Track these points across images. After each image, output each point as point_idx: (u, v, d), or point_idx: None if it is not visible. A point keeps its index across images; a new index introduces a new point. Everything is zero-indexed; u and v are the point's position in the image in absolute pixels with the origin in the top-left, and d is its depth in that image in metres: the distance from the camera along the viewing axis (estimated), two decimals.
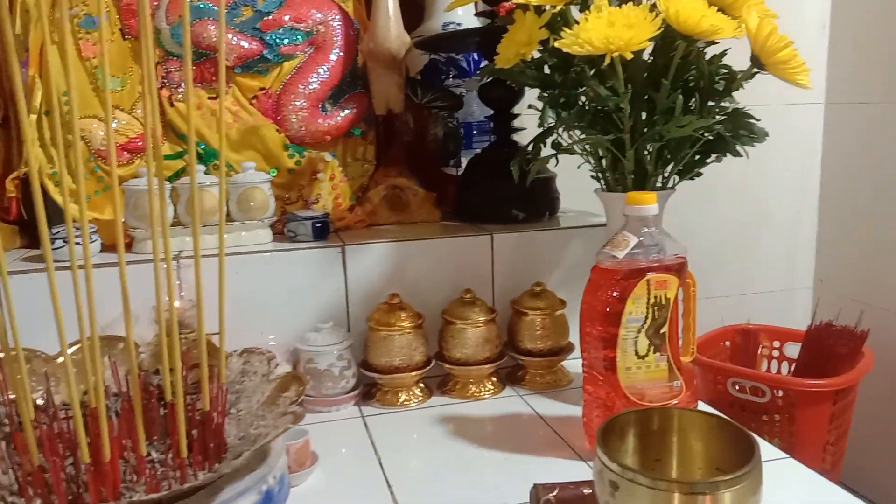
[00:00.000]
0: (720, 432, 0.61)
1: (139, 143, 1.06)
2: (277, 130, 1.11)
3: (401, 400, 0.98)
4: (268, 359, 0.55)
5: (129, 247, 1.00)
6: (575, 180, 1.14)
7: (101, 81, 1.05)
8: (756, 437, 0.59)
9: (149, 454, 0.50)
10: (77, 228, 0.98)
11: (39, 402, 0.53)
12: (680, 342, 0.82)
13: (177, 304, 0.89)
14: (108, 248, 0.99)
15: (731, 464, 0.56)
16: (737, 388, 1.51)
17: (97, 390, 0.42)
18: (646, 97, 0.87)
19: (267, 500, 0.44)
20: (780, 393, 1.48)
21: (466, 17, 1.25)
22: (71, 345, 0.59)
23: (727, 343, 1.76)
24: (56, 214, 1.10)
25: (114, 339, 0.57)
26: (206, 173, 1.04)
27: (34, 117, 1.04)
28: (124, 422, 0.50)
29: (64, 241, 0.94)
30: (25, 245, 1.06)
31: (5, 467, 0.48)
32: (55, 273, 0.92)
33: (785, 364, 1.74)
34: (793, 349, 1.71)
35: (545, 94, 0.90)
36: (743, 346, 1.76)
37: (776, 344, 1.75)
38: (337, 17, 1.14)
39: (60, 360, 0.56)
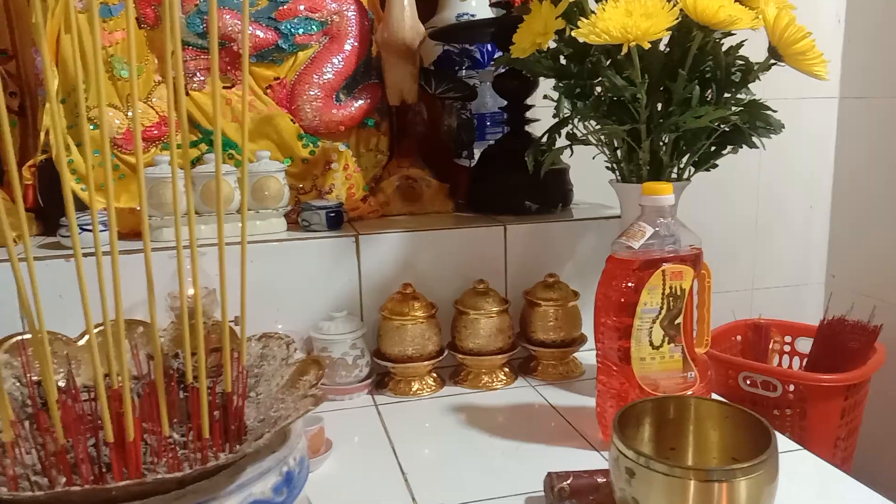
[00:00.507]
0: (736, 421, 0.61)
1: (155, 132, 1.07)
2: (292, 120, 1.12)
3: (413, 389, 0.98)
4: (286, 343, 0.55)
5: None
6: (588, 172, 1.14)
7: (117, 71, 1.05)
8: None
9: (169, 436, 0.50)
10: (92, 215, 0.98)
11: (61, 383, 0.53)
12: (694, 333, 0.81)
13: (192, 291, 0.90)
14: (123, 235, 0.99)
15: (748, 453, 0.56)
16: (748, 382, 1.51)
17: (123, 371, 0.43)
18: (662, 88, 0.87)
19: (288, 481, 0.44)
20: (792, 388, 1.48)
21: (480, 8, 1.25)
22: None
23: (738, 338, 1.75)
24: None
25: (134, 322, 0.57)
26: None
27: (51, 105, 1.04)
28: (145, 404, 0.50)
29: (82, 228, 0.94)
30: (40, 233, 1.07)
31: (28, 447, 0.49)
32: (74, 259, 0.93)
33: (796, 359, 1.73)
34: (804, 344, 1.70)
35: (561, 85, 0.90)
36: (754, 340, 1.76)
37: (787, 339, 1.75)
38: (352, 7, 1.14)
39: (81, 342, 0.56)
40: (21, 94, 1.16)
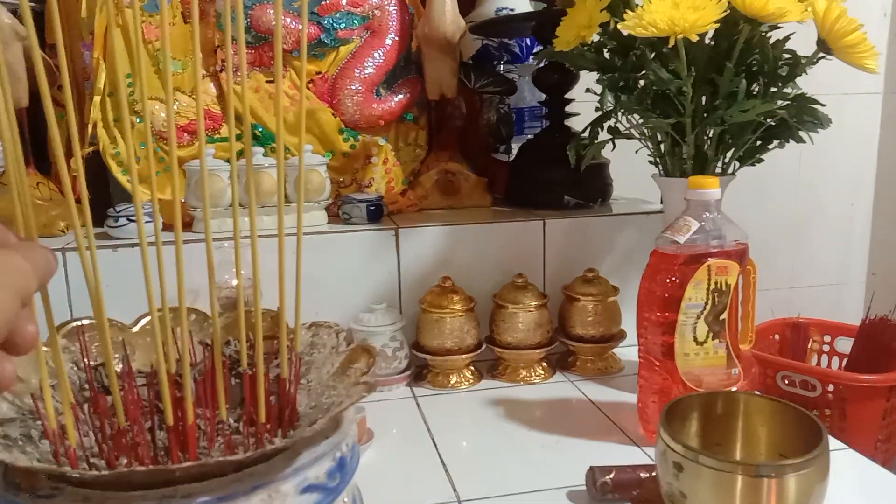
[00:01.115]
0: (786, 418, 0.60)
1: None
2: (333, 114, 1.13)
3: (452, 382, 0.98)
4: (336, 332, 0.56)
5: (188, 226, 1.02)
6: (628, 168, 1.13)
7: (161, 64, 1.07)
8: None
9: (225, 421, 0.51)
10: (142, 206, 1.00)
11: (117, 368, 0.54)
12: (738, 330, 0.81)
13: (235, 282, 0.91)
14: (168, 227, 1.01)
15: (796, 451, 0.55)
16: (786, 381, 1.49)
17: (183, 353, 0.43)
18: (708, 81, 0.86)
19: (341, 467, 0.45)
20: (832, 388, 1.45)
21: (520, 2, 1.25)
22: (142, 316, 0.61)
23: (776, 336, 1.73)
24: (117, 194, 1.13)
25: (188, 310, 0.58)
26: (263, 156, 1.06)
27: (98, 98, 1.07)
28: (199, 390, 0.51)
29: (127, 220, 0.96)
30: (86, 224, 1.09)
31: (86, 430, 0.50)
32: (127, 250, 0.94)
33: (836, 359, 1.70)
34: (844, 344, 1.67)
35: (604, 78, 0.89)
36: (792, 340, 1.73)
37: (826, 339, 1.72)
38: (393, 1, 1.14)
39: (135, 329, 0.57)
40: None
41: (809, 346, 1.75)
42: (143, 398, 0.53)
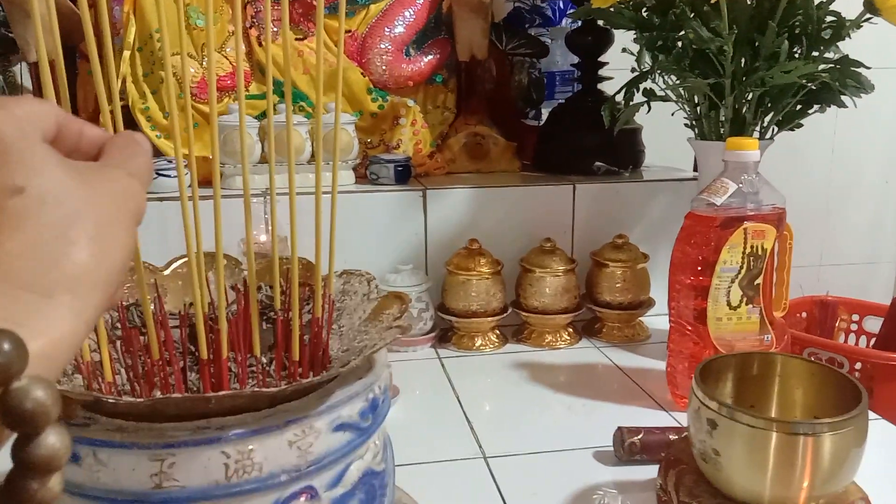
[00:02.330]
0: (823, 380, 0.59)
1: (228, 82, 1.08)
2: (362, 74, 1.11)
3: (476, 345, 0.98)
4: (367, 280, 0.55)
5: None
6: (659, 135, 1.11)
7: (193, 20, 1.06)
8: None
9: (252, 365, 0.51)
10: (171, 160, 1.00)
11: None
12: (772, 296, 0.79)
13: (264, 237, 0.91)
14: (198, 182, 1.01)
15: (833, 414, 0.54)
16: (813, 358, 1.46)
17: (219, 285, 0.43)
18: (748, 41, 0.84)
19: (373, 408, 0.44)
20: (859, 366, 1.43)
21: None
22: (174, 260, 0.61)
23: (803, 314, 1.70)
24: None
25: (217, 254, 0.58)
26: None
27: (128, 53, 1.06)
28: (230, 332, 0.50)
29: (157, 174, 0.96)
30: None
31: (118, 368, 0.50)
32: (154, 203, 0.94)
33: (863, 338, 1.68)
34: (872, 324, 1.65)
35: (642, 37, 0.87)
36: (820, 317, 1.70)
37: (855, 317, 1.69)
38: None
39: (167, 272, 0.57)
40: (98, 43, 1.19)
41: (837, 324, 1.72)
42: (174, 340, 0.53)
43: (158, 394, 0.43)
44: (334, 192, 0.52)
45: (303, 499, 0.41)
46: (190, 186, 0.44)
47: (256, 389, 0.38)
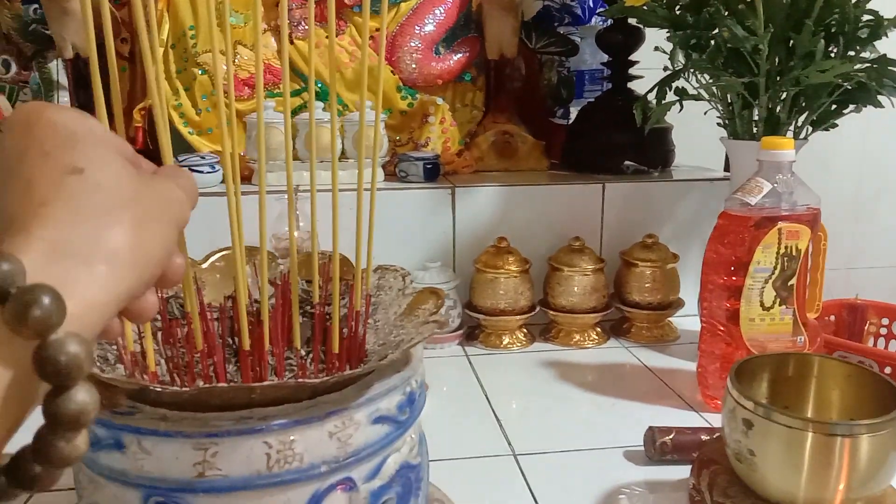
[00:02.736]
0: (860, 381, 0.58)
1: None
2: (392, 72, 1.12)
3: (504, 343, 0.98)
4: (402, 275, 0.56)
5: (248, 178, 1.02)
6: (689, 135, 1.10)
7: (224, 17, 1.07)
8: None
9: (290, 358, 0.51)
10: (203, 157, 1.01)
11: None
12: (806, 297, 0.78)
13: (295, 234, 0.91)
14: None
15: (870, 416, 0.53)
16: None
17: (262, 278, 0.44)
18: (783, 40, 0.83)
19: (410, 402, 0.45)
20: (889, 370, 1.41)
21: None
22: (212, 253, 0.61)
23: (832, 317, 1.68)
24: (177, 145, 1.15)
25: (255, 249, 0.59)
26: (323, 110, 1.06)
27: (161, 51, 1.07)
28: (269, 325, 0.51)
29: (190, 169, 0.97)
30: None
31: (157, 360, 0.50)
32: (227, 193, 0.95)
33: (893, 342, 1.65)
34: None
35: (676, 35, 0.86)
36: (849, 321, 1.67)
37: (885, 322, 1.67)
38: None
39: (205, 266, 0.58)
40: (132, 41, 1.20)
41: (866, 328, 1.69)
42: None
43: (201, 384, 0.44)
44: (367, 188, 0.52)
45: (341, 490, 0.41)
46: (223, 182, 0.45)
47: (300, 380, 0.38)
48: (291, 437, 0.39)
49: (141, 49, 0.37)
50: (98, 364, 0.45)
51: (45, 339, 0.22)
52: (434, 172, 1.05)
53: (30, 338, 0.22)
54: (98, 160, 0.27)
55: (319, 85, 1.10)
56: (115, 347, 0.47)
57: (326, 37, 1.12)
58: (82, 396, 0.23)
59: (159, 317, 0.54)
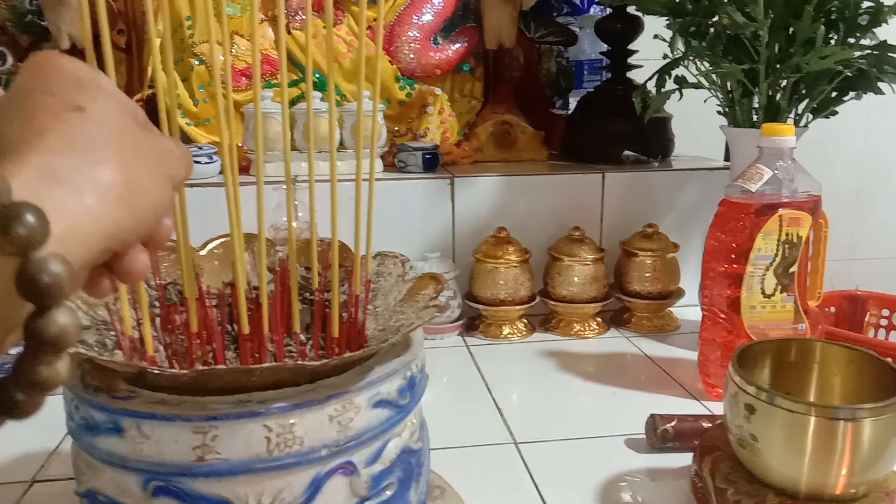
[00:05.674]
0: (862, 367, 0.58)
1: None
2: (390, 62, 1.11)
3: (504, 333, 0.98)
4: (402, 261, 0.55)
5: (246, 169, 1.02)
6: (687, 125, 1.10)
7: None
8: None
9: (288, 345, 0.51)
10: (200, 147, 1.00)
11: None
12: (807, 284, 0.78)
13: (294, 224, 0.91)
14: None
15: (872, 401, 0.53)
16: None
17: (261, 266, 0.43)
18: (783, 27, 0.82)
19: (411, 386, 0.44)
20: (890, 361, 1.41)
21: None
22: (210, 241, 0.61)
23: (832, 309, 1.68)
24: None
25: (253, 237, 0.58)
26: (321, 100, 1.05)
27: (158, 41, 1.07)
28: (269, 311, 0.51)
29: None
30: None
31: (155, 346, 0.50)
32: (225, 185, 0.93)
33: (894, 333, 1.65)
34: None
35: (675, 22, 0.86)
36: (849, 312, 1.67)
37: (885, 312, 1.67)
38: None
39: (203, 252, 0.58)
40: (128, 32, 1.20)
41: (867, 319, 1.69)
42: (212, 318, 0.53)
43: (200, 367, 0.43)
44: (368, 178, 0.52)
45: (342, 474, 0.41)
46: (221, 172, 0.44)
47: (300, 362, 0.38)
48: (291, 421, 0.38)
49: (149, 40, 0.36)
50: (96, 349, 0.45)
51: (27, 256, 0.22)
52: (433, 162, 1.05)
53: (11, 254, 0.22)
54: (100, 103, 0.28)
55: (317, 75, 1.10)
56: (113, 333, 0.47)
57: (324, 27, 1.12)
58: (63, 318, 0.23)
59: (158, 303, 0.53)
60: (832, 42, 0.84)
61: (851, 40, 0.85)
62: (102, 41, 0.37)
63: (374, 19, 1.12)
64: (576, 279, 0.98)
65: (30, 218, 0.22)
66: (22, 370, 0.23)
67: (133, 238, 0.28)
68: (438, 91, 1.14)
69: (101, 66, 0.35)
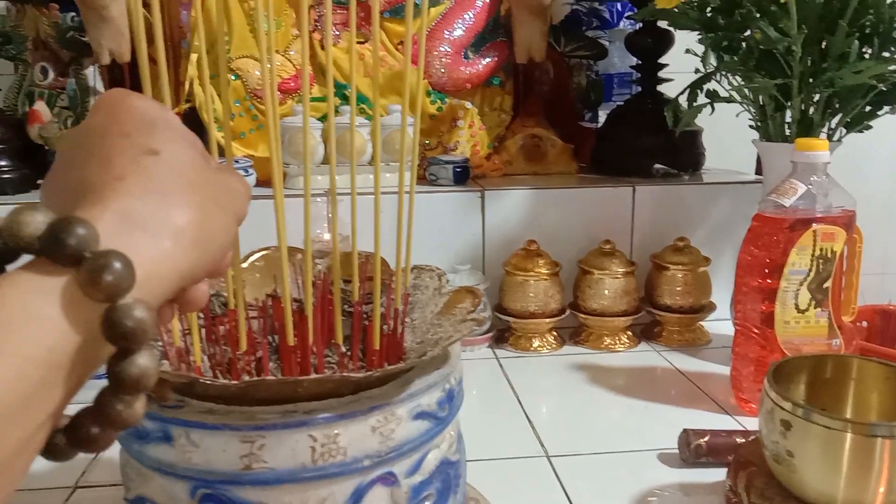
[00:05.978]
0: None
1: (292, 84, 1.10)
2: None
3: (534, 346, 0.98)
4: (438, 275, 0.56)
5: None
6: (719, 139, 1.10)
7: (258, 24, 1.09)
8: None
9: (328, 356, 0.52)
10: (237, 161, 1.02)
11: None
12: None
13: (328, 236, 0.92)
14: (262, 182, 1.03)
15: None
16: None
17: (306, 278, 0.44)
18: (817, 41, 0.82)
19: (450, 399, 0.45)
20: None
21: None
22: (251, 254, 0.62)
23: (864, 323, 1.66)
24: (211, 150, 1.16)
25: (294, 250, 0.60)
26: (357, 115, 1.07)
27: (195, 56, 1.09)
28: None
29: None
30: None
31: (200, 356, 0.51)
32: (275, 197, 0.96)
33: None
34: None
35: (708, 37, 0.86)
36: (881, 327, 1.65)
37: None
38: None
39: (244, 265, 0.59)
40: (166, 47, 1.22)
41: None
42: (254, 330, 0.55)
43: (247, 378, 0.44)
44: (406, 190, 0.53)
45: (383, 484, 0.42)
46: (257, 185, 0.46)
47: (344, 374, 0.39)
48: (335, 431, 0.39)
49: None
50: None
51: (114, 303, 0.23)
52: (464, 176, 1.06)
53: (100, 301, 0.23)
54: (173, 145, 0.29)
55: (348, 89, 1.12)
56: (160, 343, 0.48)
57: (358, 42, 1.13)
58: (144, 361, 0.24)
59: (202, 314, 0.55)
60: (866, 56, 0.83)
61: (886, 54, 0.85)
62: (139, 57, 0.38)
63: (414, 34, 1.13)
64: (606, 292, 0.98)
65: (118, 266, 0.23)
66: (102, 407, 0.24)
67: (202, 276, 0.29)
68: (469, 105, 1.15)
69: (135, 82, 0.36)
